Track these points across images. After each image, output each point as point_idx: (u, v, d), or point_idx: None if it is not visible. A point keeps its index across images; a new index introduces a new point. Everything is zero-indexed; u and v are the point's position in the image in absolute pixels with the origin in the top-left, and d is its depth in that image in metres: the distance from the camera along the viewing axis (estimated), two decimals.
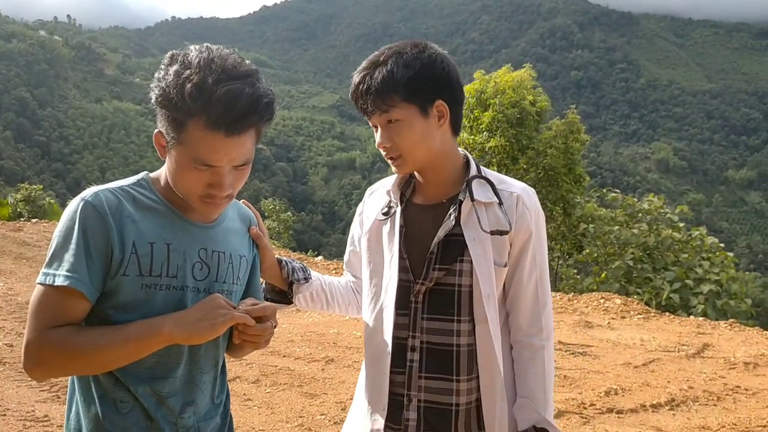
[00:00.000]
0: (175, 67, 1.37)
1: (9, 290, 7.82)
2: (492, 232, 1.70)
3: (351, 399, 5.00)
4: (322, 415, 4.74)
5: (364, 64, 1.73)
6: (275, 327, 1.50)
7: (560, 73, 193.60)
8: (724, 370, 6.56)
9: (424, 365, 1.74)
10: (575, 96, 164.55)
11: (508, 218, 1.71)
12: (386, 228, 1.82)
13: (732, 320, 9.55)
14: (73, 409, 1.49)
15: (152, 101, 1.41)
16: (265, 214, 30.34)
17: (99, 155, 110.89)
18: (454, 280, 1.71)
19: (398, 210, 1.81)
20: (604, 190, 17.06)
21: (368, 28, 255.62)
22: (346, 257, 2.06)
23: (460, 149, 1.84)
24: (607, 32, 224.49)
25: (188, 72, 1.35)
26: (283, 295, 1.95)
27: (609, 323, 8.64)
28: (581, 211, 16.88)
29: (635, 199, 15.97)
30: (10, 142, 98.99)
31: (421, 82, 1.66)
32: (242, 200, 1.79)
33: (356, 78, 1.72)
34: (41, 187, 21.82)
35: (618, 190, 16.85)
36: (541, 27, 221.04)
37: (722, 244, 14.33)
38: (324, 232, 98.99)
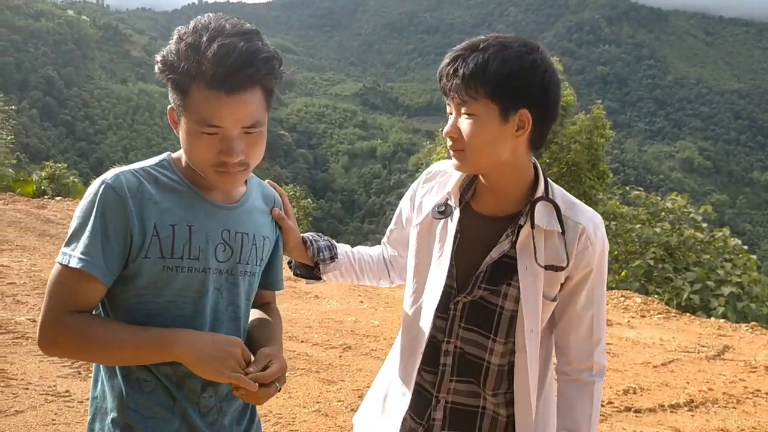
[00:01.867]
0: (175, 36, 1.38)
1: (32, 266, 7.92)
2: (546, 267, 1.61)
3: (368, 387, 5.01)
4: (339, 401, 4.76)
5: (463, 44, 1.59)
6: (280, 389, 1.47)
7: (587, 67, 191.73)
8: (745, 373, 6.49)
9: (456, 370, 1.71)
10: (601, 91, 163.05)
11: (567, 252, 1.60)
12: (439, 226, 1.75)
13: (753, 323, 9.44)
14: (98, 387, 1.51)
15: (158, 77, 1.41)
16: None
17: (123, 136, 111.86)
18: (497, 301, 1.65)
19: (456, 214, 1.72)
20: (627, 188, 16.90)
21: (394, 17, 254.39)
22: (388, 232, 2.02)
23: (534, 165, 1.70)
24: (636, 28, 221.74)
25: (184, 34, 1.36)
26: (311, 270, 1.92)
27: (629, 322, 8.58)
28: (603, 208, 16.72)
29: (658, 198, 15.80)
30: (36, 120, 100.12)
31: (513, 84, 1.52)
32: (267, 180, 1.78)
33: (448, 57, 1.59)
34: (65, 165, 22.04)
35: (641, 188, 16.69)
36: (568, 21, 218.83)
37: (745, 246, 14.15)
38: (342, 220, 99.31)
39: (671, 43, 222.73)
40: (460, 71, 1.53)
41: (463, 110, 1.57)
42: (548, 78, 1.55)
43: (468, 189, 1.75)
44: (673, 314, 9.45)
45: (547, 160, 18.06)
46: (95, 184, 1.41)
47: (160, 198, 1.43)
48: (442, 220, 1.74)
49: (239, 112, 1.36)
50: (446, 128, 1.63)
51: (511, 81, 1.51)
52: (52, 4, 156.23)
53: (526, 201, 1.65)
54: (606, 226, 9.70)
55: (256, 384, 1.38)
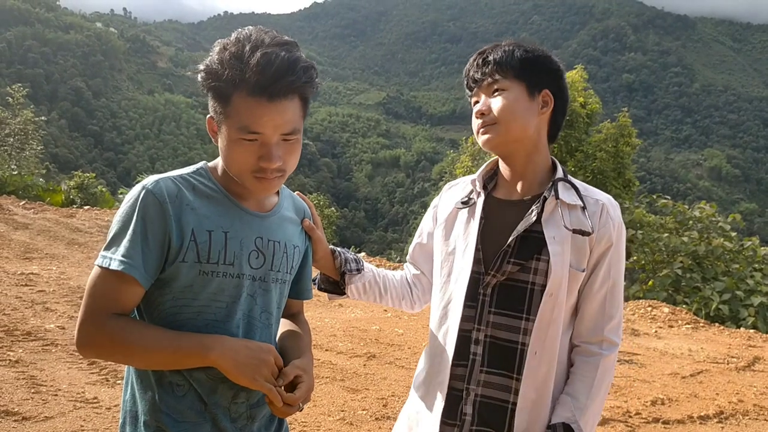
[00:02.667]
0: (218, 46, 1.43)
1: (61, 274, 8.04)
2: (575, 231, 1.68)
3: (393, 395, 5.03)
4: (363, 410, 4.75)
5: (485, 47, 1.83)
6: (302, 409, 1.50)
7: (612, 75, 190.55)
8: None
9: (486, 359, 1.72)
10: (627, 99, 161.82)
11: (591, 223, 1.69)
12: (464, 217, 1.82)
13: None
14: (129, 391, 1.53)
15: (200, 86, 1.46)
16: None
17: (149, 146, 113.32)
18: (528, 278, 1.69)
19: (480, 200, 1.80)
20: (654, 196, 16.70)
21: (417, 27, 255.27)
22: (410, 249, 2.05)
23: (550, 155, 1.86)
24: (662, 35, 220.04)
25: (227, 44, 1.42)
26: (336, 286, 1.95)
27: (656, 332, 8.47)
28: (630, 217, 16.53)
29: (686, 207, 15.60)
30: (65, 130, 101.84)
31: (537, 66, 1.74)
32: (297, 192, 1.80)
33: (475, 55, 1.81)
34: (94, 175, 22.32)
35: (668, 197, 16.49)
36: (593, 28, 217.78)
37: None
38: (366, 229, 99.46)
39: (698, 50, 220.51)
40: (490, 58, 1.75)
41: (494, 89, 1.74)
42: (562, 69, 1.80)
43: (490, 181, 1.84)
44: (701, 324, 9.31)
45: (572, 168, 17.94)
46: (135, 190, 1.45)
47: (197, 204, 1.47)
48: (467, 210, 1.82)
49: (279, 119, 1.41)
50: (477, 107, 1.77)
51: (536, 63, 1.74)
52: (81, 17, 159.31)
53: (547, 183, 1.77)
54: (632, 235, 9.61)
55: (281, 400, 1.42)
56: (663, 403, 5.49)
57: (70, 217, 12.73)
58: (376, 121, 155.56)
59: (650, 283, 13.67)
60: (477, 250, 1.74)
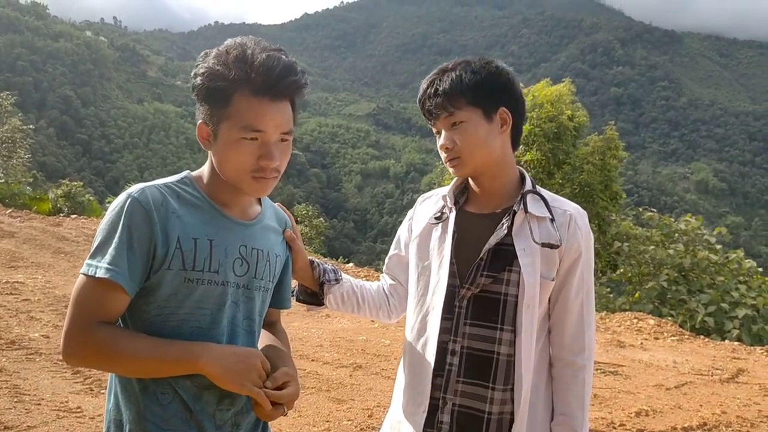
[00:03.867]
0: (213, 53, 1.48)
1: (47, 283, 8.00)
2: (543, 244, 1.71)
3: (378, 406, 5.02)
4: (348, 420, 4.75)
5: (433, 72, 1.81)
6: (286, 413, 1.52)
7: (600, 89, 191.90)
8: (759, 397, 6.40)
9: (462, 370, 1.75)
10: (614, 112, 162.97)
11: (559, 235, 1.73)
12: (437, 232, 1.85)
13: None
14: (112, 400, 1.53)
15: (193, 91, 1.49)
16: (298, 219, 30.51)
17: (138, 155, 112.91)
18: (500, 289, 1.73)
19: (452, 215, 1.84)
20: (641, 209, 16.81)
21: (408, 39, 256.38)
22: (387, 259, 2.08)
23: (517, 166, 1.88)
24: (650, 50, 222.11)
25: (228, 48, 1.46)
26: (314, 297, 1.98)
27: (642, 344, 8.51)
28: (616, 229, 16.65)
29: (672, 219, 15.71)
30: (53, 139, 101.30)
31: (487, 87, 1.74)
32: (277, 203, 1.83)
33: (425, 83, 1.81)
34: (81, 184, 22.23)
35: (655, 210, 16.61)
36: (582, 42, 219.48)
37: (760, 269, 14.00)
38: (355, 240, 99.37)
39: (685, 64, 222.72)
40: (440, 89, 1.75)
41: (451, 122, 1.76)
42: (511, 79, 1.80)
43: (461, 195, 1.88)
44: (686, 336, 9.36)
45: (560, 181, 18.03)
46: (121, 198, 1.46)
47: (182, 212, 1.49)
48: (440, 225, 1.85)
49: (280, 118, 1.47)
50: (440, 142, 1.80)
51: (485, 85, 1.74)
52: (71, 25, 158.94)
53: (516, 195, 1.80)
54: (619, 247, 9.60)
55: (269, 401, 1.43)
56: (647, 415, 5.52)
57: (57, 226, 12.65)
58: (366, 132, 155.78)
59: (636, 295, 13.75)
60: (452, 263, 1.78)
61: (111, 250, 1.41)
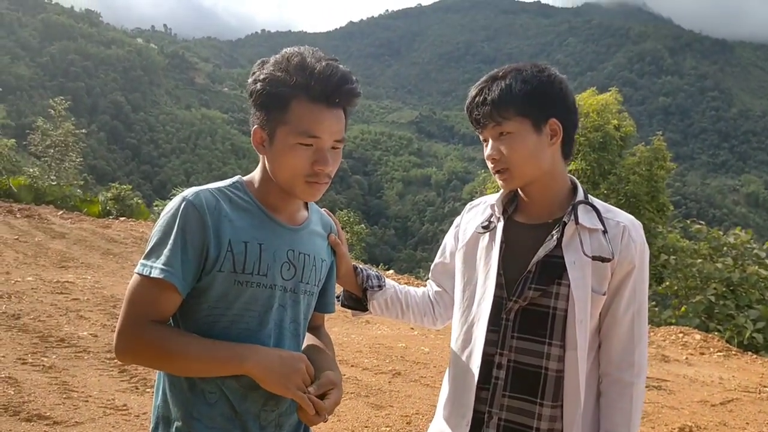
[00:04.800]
0: (272, 60, 1.52)
1: (96, 283, 8.21)
2: (594, 258, 1.66)
3: (417, 413, 5.03)
4: (387, 426, 4.77)
5: (483, 78, 1.77)
6: (327, 420, 1.54)
7: (648, 98, 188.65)
8: None
9: (509, 384, 1.71)
10: (662, 123, 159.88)
11: (612, 247, 1.67)
12: (484, 242, 1.81)
13: None
14: (161, 397, 1.58)
15: (251, 96, 1.53)
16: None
17: (185, 160, 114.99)
18: (549, 303, 1.68)
19: (500, 225, 1.80)
20: (688, 221, 16.44)
21: (452, 47, 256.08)
22: (432, 266, 2.07)
23: (569, 175, 1.82)
24: (699, 59, 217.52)
25: (289, 56, 1.50)
26: (359, 303, 1.99)
27: (687, 359, 8.33)
28: (663, 242, 16.31)
29: (720, 232, 15.33)
30: (104, 143, 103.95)
31: (538, 98, 1.68)
32: (323, 209, 1.86)
33: (473, 91, 1.76)
34: (130, 187, 22.76)
35: (703, 222, 16.24)
36: (629, 51, 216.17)
37: None
38: (396, 247, 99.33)
39: (736, 74, 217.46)
40: (489, 98, 1.70)
41: (499, 132, 1.71)
42: (564, 88, 1.74)
43: (510, 204, 1.83)
44: (733, 352, 9.13)
45: (605, 191, 17.78)
46: (176, 200, 1.51)
47: (234, 216, 1.53)
48: (487, 234, 1.82)
49: (335, 126, 1.52)
50: (487, 152, 1.75)
51: (535, 95, 1.68)
52: (123, 33, 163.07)
53: (567, 206, 1.74)
54: (665, 260, 9.41)
55: (313, 409, 1.46)
56: (691, 431, 5.40)
57: (106, 228, 12.99)
58: (408, 140, 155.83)
59: (683, 309, 13.44)
60: (499, 275, 1.74)
61: (166, 251, 1.45)
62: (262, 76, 1.50)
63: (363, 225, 35.06)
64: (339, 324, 7.76)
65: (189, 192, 1.52)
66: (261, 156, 1.58)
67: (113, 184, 22.34)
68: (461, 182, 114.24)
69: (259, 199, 1.60)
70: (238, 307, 1.52)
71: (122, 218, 16.37)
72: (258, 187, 1.61)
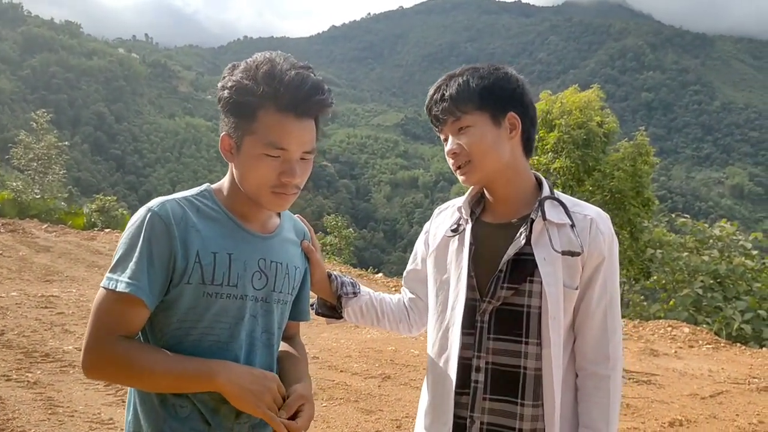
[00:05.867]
0: (242, 66, 1.47)
1: (81, 296, 8.14)
2: (563, 253, 1.65)
3: (407, 417, 5.00)
4: (376, 431, 4.74)
5: (441, 78, 1.78)
6: None
7: (630, 94, 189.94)
8: None
9: (489, 387, 1.69)
10: (645, 118, 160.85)
11: (580, 241, 1.67)
12: (454, 245, 1.80)
13: None
14: (132, 412, 1.54)
15: (219, 103, 1.49)
16: (327, 230, 30.62)
17: (170, 169, 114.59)
18: (522, 301, 1.67)
19: (468, 227, 1.78)
20: (674, 215, 16.57)
21: (435, 48, 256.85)
22: (405, 273, 2.05)
23: (532, 172, 1.82)
24: (680, 54, 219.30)
25: (258, 63, 1.45)
26: (333, 310, 1.96)
27: (676, 352, 8.36)
28: (649, 236, 16.44)
29: (706, 225, 15.44)
30: (88, 154, 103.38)
31: (495, 92, 1.70)
32: (297, 215, 1.83)
33: (432, 89, 1.77)
34: (115, 198, 22.68)
35: (688, 215, 16.34)
36: (611, 48, 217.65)
37: None
38: (385, 250, 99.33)
39: (717, 68, 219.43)
40: (447, 94, 1.71)
41: (458, 127, 1.72)
42: (520, 85, 1.74)
43: (477, 206, 1.82)
44: (722, 344, 9.18)
45: (590, 188, 17.85)
46: (141, 212, 1.46)
47: (202, 226, 1.49)
48: (456, 238, 1.80)
49: (304, 137, 1.47)
50: (447, 147, 1.75)
51: (493, 90, 1.70)
52: (104, 43, 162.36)
53: (534, 203, 1.74)
54: (652, 254, 9.46)
55: (284, 428, 1.42)
56: (681, 425, 5.41)
57: (91, 240, 12.89)
58: (395, 142, 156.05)
59: (671, 302, 13.53)
60: (470, 276, 1.73)
61: (132, 264, 1.41)
62: (229, 84, 1.46)
63: (351, 229, 35.00)
64: (328, 330, 7.72)
65: (154, 202, 1.48)
66: (230, 164, 1.55)
67: (98, 196, 22.24)
68: (449, 183, 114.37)
69: (228, 207, 1.55)
70: (208, 319, 1.48)
71: (107, 230, 16.25)
72: (227, 195, 1.57)
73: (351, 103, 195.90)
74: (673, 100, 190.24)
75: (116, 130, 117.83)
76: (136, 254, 1.42)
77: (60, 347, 5.92)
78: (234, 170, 1.53)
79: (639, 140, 18.30)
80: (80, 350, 4.51)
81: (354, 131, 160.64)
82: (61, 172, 25.93)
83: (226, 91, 1.46)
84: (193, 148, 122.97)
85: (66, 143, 28.12)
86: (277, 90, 1.42)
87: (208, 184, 1.62)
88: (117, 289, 1.40)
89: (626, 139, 19.31)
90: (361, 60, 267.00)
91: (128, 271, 1.41)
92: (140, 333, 1.50)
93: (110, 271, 1.44)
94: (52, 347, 5.90)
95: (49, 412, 4.41)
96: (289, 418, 1.46)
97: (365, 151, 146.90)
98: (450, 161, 1.74)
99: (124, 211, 22.32)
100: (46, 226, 14.74)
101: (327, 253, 23.47)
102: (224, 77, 1.48)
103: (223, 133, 1.50)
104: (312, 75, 1.46)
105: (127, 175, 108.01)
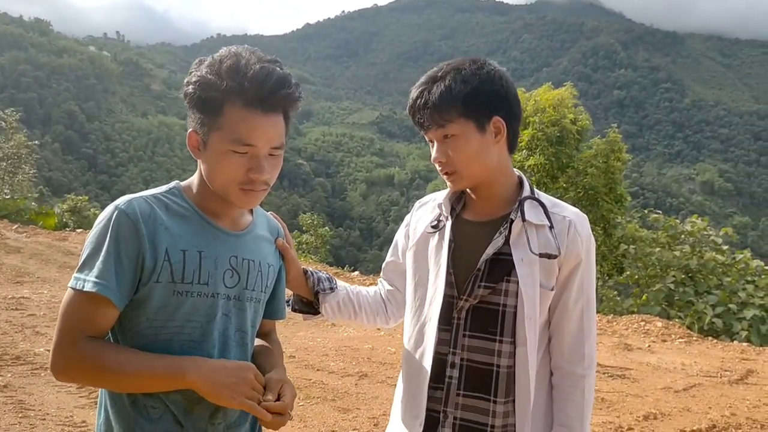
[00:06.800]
0: (207, 61, 1.45)
1: (53, 298, 8.01)
2: (541, 255, 1.67)
3: (384, 414, 5.00)
4: (354, 430, 4.73)
5: (422, 79, 1.73)
6: (291, 418, 1.49)
7: (603, 92, 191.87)
8: None
9: (463, 383, 1.71)
10: (618, 115, 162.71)
11: (558, 243, 1.68)
12: (434, 241, 1.80)
13: None
14: (103, 415, 1.51)
15: (185, 99, 1.46)
16: (303, 228, 30.52)
17: (143, 168, 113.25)
18: (499, 300, 1.69)
19: (448, 224, 1.79)
20: (646, 211, 16.76)
21: (409, 46, 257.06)
22: (384, 265, 2.05)
23: (515, 170, 1.82)
24: (651, 51, 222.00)
25: (222, 58, 1.43)
26: (310, 306, 1.96)
27: (649, 346, 8.46)
28: (622, 232, 16.59)
29: (677, 221, 15.64)
30: (59, 154, 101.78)
31: (479, 97, 1.66)
32: (270, 212, 1.81)
33: (414, 93, 1.73)
34: (87, 198, 22.40)
35: (660, 212, 16.54)
36: (583, 46, 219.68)
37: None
38: (361, 248, 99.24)
39: (688, 65, 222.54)
40: (430, 102, 1.67)
41: (443, 135, 1.69)
42: (504, 83, 1.70)
43: (457, 202, 1.82)
44: (694, 338, 9.31)
45: (564, 185, 17.99)
46: (108, 210, 1.44)
47: (171, 224, 1.46)
48: (436, 234, 1.80)
49: (271, 132, 1.44)
50: (433, 155, 1.73)
51: (476, 95, 1.66)
52: (74, 41, 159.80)
53: (514, 202, 1.74)
54: (625, 250, 9.59)
55: (269, 414, 1.40)
56: (655, 418, 5.48)
57: (63, 241, 12.69)
58: (370, 140, 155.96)
59: (644, 297, 13.68)
60: (449, 274, 1.74)
61: (99, 264, 1.39)
62: (194, 79, 1.43)
63: (327, 227, 34.94)
64: (305, 328, 7.69)
65: (121, 200, 1.46)
66: (198, 160, 1.52)
67: (69, 196, 21.95)
68: (424, 181, 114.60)
69: (197, 204, 1.53)
70: (179, 319, 1.45)
71: (79, 230, 16.01)
72: (196, 192, 1.54)
73: (326, 101, 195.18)
74: (645, 97, 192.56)
75: (88, 129, 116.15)
76: (103, 253, 1.40)
77: (31, 350, 5.82)
78: (201, 167, 1.51)
79: (611, 137, 18.48)
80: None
81: (329, 129, 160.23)
82: (31, 172, 25.51)
83: (190, 87, 1.44)
84: (166, 146, 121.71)
85: (36, 142, 27.68)
86: (242, 84, 1.40)
87: (177, 181, 1.60)
88: (84, 289, 1.38)
89: (599, 136, 19.49)
90: (336, 58, 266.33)
91: (95, 270, 1.39)
92: (110, 333, 1.47)
93: (78, 271, 1.42)
94: (22, 350, 5.79)
95: (20, 415, 4.34)
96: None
97: (341, 150, 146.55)
98: (437, 167, 1.73)
99: (97, 211, 22.03)
100: (16, 226, 14.48)
101: (303, 252, 23.38)
102: (190, 72, 1.46)
103: (190, 129, 1.48)
104: (278, 69, 1.44)
105: (99, 174, 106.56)
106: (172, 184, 1.58)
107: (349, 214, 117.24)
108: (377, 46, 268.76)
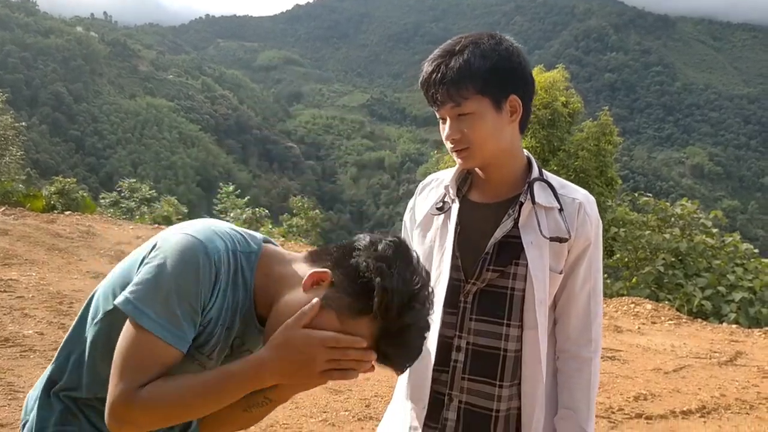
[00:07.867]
0: (404, 266, 1.27)
1: (41, 280, 7.94)
2: (552, 239, 1.64)
3: (376, 396, 5.00)
4: (346, 411, 4.73)
5: (437, 52, 1.65)
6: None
7: (594, 75, 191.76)
8: (758, 379, 6.41)
9: (468, 366, 1.69)
10: (609, 98, 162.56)
11: (568, 225, 1.65)
12: (439, 223, 1.76)
13: (766, 328, 9.34)
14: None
15: (349, 279, 1.27)
16: (294, 211, 30.45)
17: (132, 150, 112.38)
18: (507, 283, 1.67)
19: (455, 206, 1.75)
20: (636, 194, 16.81)
21: (400, 28, 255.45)
22: None
23: (524, 150, 1.79)
24: (643, 35, 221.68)
25: (418, 290, 1.27)
26: None
27: (639, 328, 8.51)
28: (612, 215, 16.64)
29: (667, 204, 15.71)
30: (46, 136, 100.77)
31: (498, 74, 1.61)
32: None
33: (429, 66, 1.64)
34: (75, 180, 22.16)
35: (650, 195, 16.59)
36: (575, 28, 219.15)
37: (757, 251, 14.01)
38: (352, 231, 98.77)
39: (679, 49, 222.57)
40: (447, 77, 1.60)
41: (458, 113, 1.63)
42: (522, 60, 1.66)
43: (464, 183, 1.78)
44: (684, 320, 9.37)
45: (555, 168, 17.99)
46: (194, 246, 1.27)
47: (230, 292, 1.33)
48: (442, 216, 1.76)
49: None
50: (446, 132, 1.66)
51: (496, 72, 1.60)
52: (61, 22, 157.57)
53: (523, 184, 1.71)
54: (615, 233, 9.62)
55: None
56: (645, 399, 5.51)
57: (51, 223, 12.58)
58: (360, 123, 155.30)
59: (633, 280, 13.76)
60: (455, 257, 1.70)
61: (182, 313, 1.24)
62: (385, 284, 1.22)
63: (318, 211, 34.85)
64: None
65: (211, 242, 1.28)
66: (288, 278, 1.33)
67: (57, 178, 21.72)
68: (415, 164, 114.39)
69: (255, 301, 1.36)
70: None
71: (68, 212, 15.88)
72: (262, 287, 1.36)
73: (316, 83, 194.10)
74: (636, 80, 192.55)
75: (75, 111, 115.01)
76: (188, 302, 1.24)
77: (20, 332, 5.77)
78: (294, 291, 1.31)
79: (603, 120, 18.50)
80: (41, 335, 4.37)
81: (319, 112, 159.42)
82: (18, 154, 25.24)
83: (378, 297, 1.21)
84: (154, 129, 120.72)
85: (23, 124, 27.41)
86: (389, 329, 1.25)
87: (263, 239, 1.42)
88: (162, 338, 1.22)
89: (590, 119, 19.50)
90: (326, 39, 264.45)
91: (175, 319, 1.23)
92: (87, 346, 1.38)
93: (148, 305, 1.23)
94: (11, 332, 5.75)
95: (9, 397, 4.31)
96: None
97: (331, 132, 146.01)
98: (448, 145, 1.66)
99: (85, 194, 21.88)
100: (3, 208, 14.35)
101: (294, 235, 23.35)
102: (363, 251, 1.27)
103: (323, 270, 1.29)
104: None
105: (87, 156, 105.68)
106: (260, 240, 1.41)
107: (340, 198, 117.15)
108: (368, 27, 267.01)
